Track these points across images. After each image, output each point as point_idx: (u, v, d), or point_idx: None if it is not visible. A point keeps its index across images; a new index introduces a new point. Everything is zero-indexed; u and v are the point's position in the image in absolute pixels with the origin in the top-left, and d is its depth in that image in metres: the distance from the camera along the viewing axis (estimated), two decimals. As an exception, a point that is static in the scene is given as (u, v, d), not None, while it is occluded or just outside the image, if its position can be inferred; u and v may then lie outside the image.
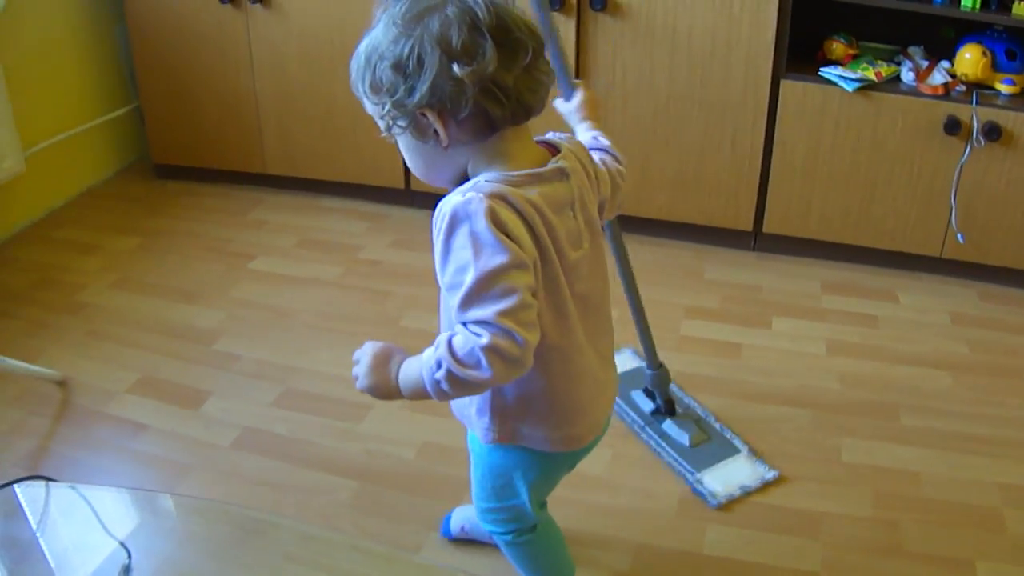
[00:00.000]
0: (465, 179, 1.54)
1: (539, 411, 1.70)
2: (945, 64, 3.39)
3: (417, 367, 1.50)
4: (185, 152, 4.23)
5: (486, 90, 1.43)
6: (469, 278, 1.42)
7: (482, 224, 1.41)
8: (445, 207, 1.44)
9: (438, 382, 1.45)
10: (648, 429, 2.72)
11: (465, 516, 2.36)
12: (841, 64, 3.41)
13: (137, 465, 2.62)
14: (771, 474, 2.59)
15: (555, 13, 3.36)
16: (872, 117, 3.34)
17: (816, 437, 2.74)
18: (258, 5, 3.75)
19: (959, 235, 3.42)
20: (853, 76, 3.30)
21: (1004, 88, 3.28)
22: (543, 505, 2.03)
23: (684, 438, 2.68)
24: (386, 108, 1.47)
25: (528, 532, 1.98)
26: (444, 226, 1.44)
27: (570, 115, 2.16)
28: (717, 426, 2.75)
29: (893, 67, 3.42)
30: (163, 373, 2.99)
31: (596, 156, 1.79)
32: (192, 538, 2.27)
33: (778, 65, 3.35)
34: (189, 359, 3.06)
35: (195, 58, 3.96)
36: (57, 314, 3.30)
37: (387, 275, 3.50)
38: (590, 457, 1.88)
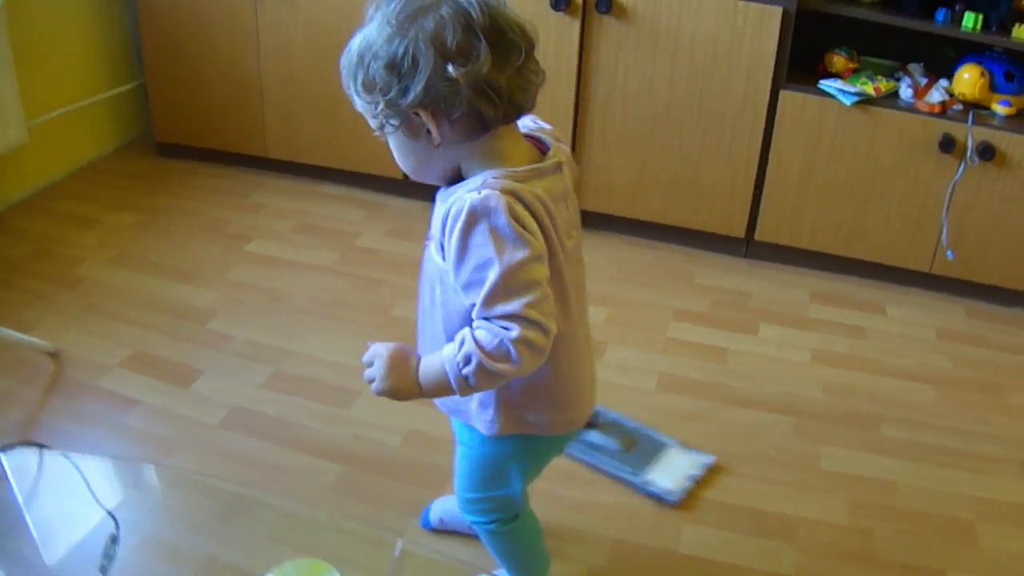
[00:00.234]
0: (457, 176, 1.58)
1: (546, 397, 1.74)
2: (944, 83, 3.42)
3: (438, 364, 1.54)
4: (188, 132, 4.24)
5: (479, 90, 1.45)
6: (493, 274, 1.45)
7: (503, 219, 1.45)
8: (460, 204, 1.46)
9: (466, 377, 1.50)
10: (576, 445, 2.68)
11: (444, 508, 2.39)
12: (841, 77, 3.43)
13: (126, 440, 2.64)
14: (709, 459, 2.64)
15: (560, 14, 3.39)
16: (869, 131, 3.36)
17: (797, 444, 2.77)
18: (267, -10, 3.77)
19: (949, 252, 3.44)
20: (852, 90, 3.33)
21: (1001, 109, 3.31)
22: (527, 497, 2.07)
23: (614, 444, 2.68)
24: (379, 107, 1.49)
25: (511, 521, 2.01)
26: (461, 224, 1.46)
27: None
28: (635, 426, 2.76)
29: (892, 83, 3.44)
30: (156, 350, 3.01)
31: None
32: (179, 512, 2.30)
33: (778, 76, 3.37)
34: (183, 337, 3.08)
35: (202, 38, 3.97)
36: (54, 286, 3.31)
37: (382, 264, 3.53)
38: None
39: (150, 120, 4.30)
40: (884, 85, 3.39)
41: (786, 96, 3.40)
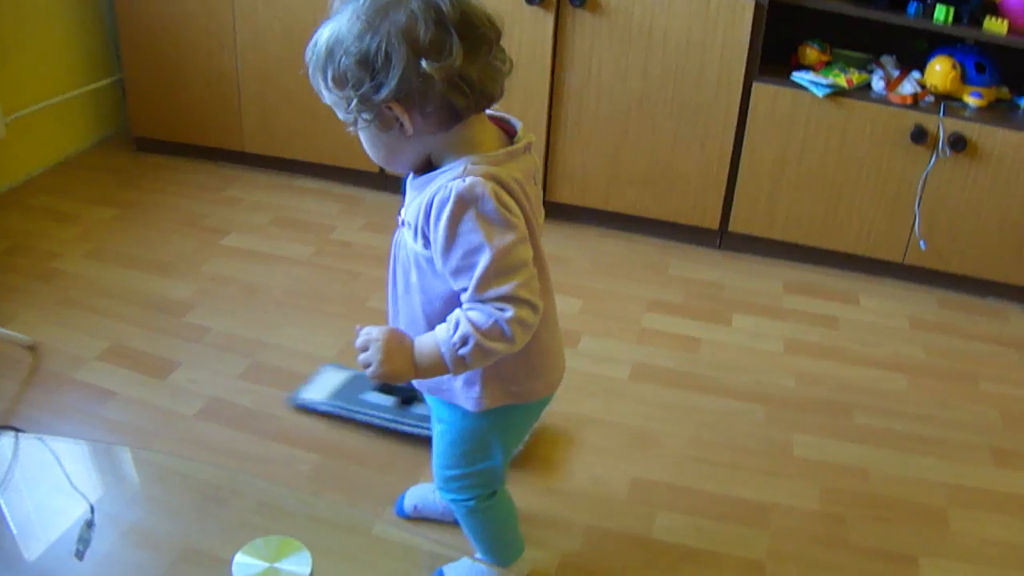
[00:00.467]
0: (428, 163, 1.61)
1: (528, 366, 1.78)
2: (916, 75, 3.45)
3: (432, 345, 1.57)
4: (165, 126, 4.23)
5: (452, 84, 1.47)
6: (485, 258, 1.49)
7: (491, 205, 1.49)
8: (445, 193, 1.49)
9: (463, 357, 1.54)
10: (404, 420, 2.68)
11: (419, 495, 2.40)
12: (813, 70, 3.45)
13: (103, 431, 2.64)
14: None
15: (535, 7, 3.38)
16: (841, 123, 3.39)
17: (769, 432, 2.79)
18: (243, -16, 3.77)
19: (921, 242, 3.47)
20: (824, 82, 3.34)
21: (972, 101, 3.35)
22: (506, 472, 2.08)
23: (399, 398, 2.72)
24: (352, 103, 1.50)
25: (489, 498, 2.02)
26: (449, 211, 1.49)
27: None
28: None
29: (864, 75, 3.46)
30: (133, 342, 3.01)
31: None
32: (155, 498, 2.31)
33: (751, 68, 3.39)
34: (159, 330, 3.08)
35: (179, 33, 3.96)
36: (31, 280, 3.31)
37: (357, 256, 3.56)
38: (546, 441, 1.93)
39: (127, 115, 4.29)
40: (856, 77, 3.41)
41: (759, 88, 3.42)
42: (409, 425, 2.66)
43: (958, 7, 3.26)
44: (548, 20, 3.44)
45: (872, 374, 3.11)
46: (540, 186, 1.71)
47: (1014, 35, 3.23)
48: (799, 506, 2.52)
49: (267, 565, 1.48)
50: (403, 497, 2.42)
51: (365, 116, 1.51)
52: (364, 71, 1.46)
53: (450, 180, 1.50)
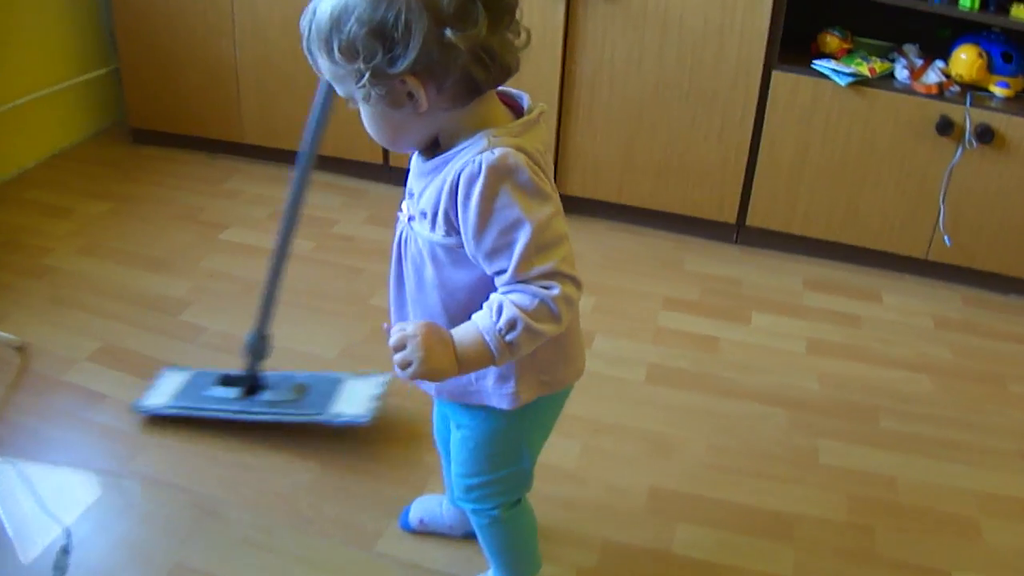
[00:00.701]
0: (435, 143, 1.51)
1: (560, 351, 1.68)
2: (940, 64, 3.35)
3: (473, 334, 1.46)
4: (163, 117, 4.17)
5: (474, 55, 1.37)
6: (524, 234, 1.40)
7: (526, 175, 1.40)
8: (472, 168, 1.40)
9: (511, 343, 1.44)
10: (253, 409, 2.58)
11: (425, 508, 2.29)
12: (835, 58, 3.36)
13: (93, 437, 2.54)
14: (384, 376, 2.62)
15: None
16: (864, 113, 3.30)
17: (792, 437, 2.69)
18: (242, -30, 3.69)
19: (946, 237, 3.38)
20: (846, 70, 3.25)
21: (998, 91, 3.25)
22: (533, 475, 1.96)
23: (289, 393, 2.61)
24: (363, 77, 1.38)
25: (514, 506, 1.92)
26: (481, 186, 1.39)
27: None
28: (302, 375, 2.70)
29: (887, 64, 3.38)
30: (126, 342, 2.92)
31: None
32: (147, 516, 2.22)
33: (770, 55, 3.30)
34: (154, 329, 2.99)
35: (177, 21, 3.89)
36: (22, 277, 3.22)
37: (360, 251, 3.47)
38: (558, 450, 1.82)
39: (124, 106, 4.23)
40: (879, 66, 3.33)
41: (779, 76, 3.33)
42: (257, 413, 2.56)
43: (985, -7, 3.17)
44: (559, 4, 3.36)
45: (897, 375, 3.01)
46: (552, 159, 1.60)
47: (1044, 23, 3.13)
48: (825, 517, 2.42)
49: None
50: (408, 509, 2.30)
51: (378, 91, 1.39)
52: (378, 41, 1.34)
53: (475, 154, 1.40)
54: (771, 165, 3.47)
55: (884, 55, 3.46)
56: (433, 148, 1.52)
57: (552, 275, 1.42)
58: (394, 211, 1.64)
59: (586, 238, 3.65)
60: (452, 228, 1.47)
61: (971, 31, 3.33)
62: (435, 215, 1.48)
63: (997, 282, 3.50)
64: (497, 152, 1.39)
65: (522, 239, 1.40)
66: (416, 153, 1.57)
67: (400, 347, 1.46)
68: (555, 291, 1.41)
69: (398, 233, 1.62)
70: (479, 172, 1.38)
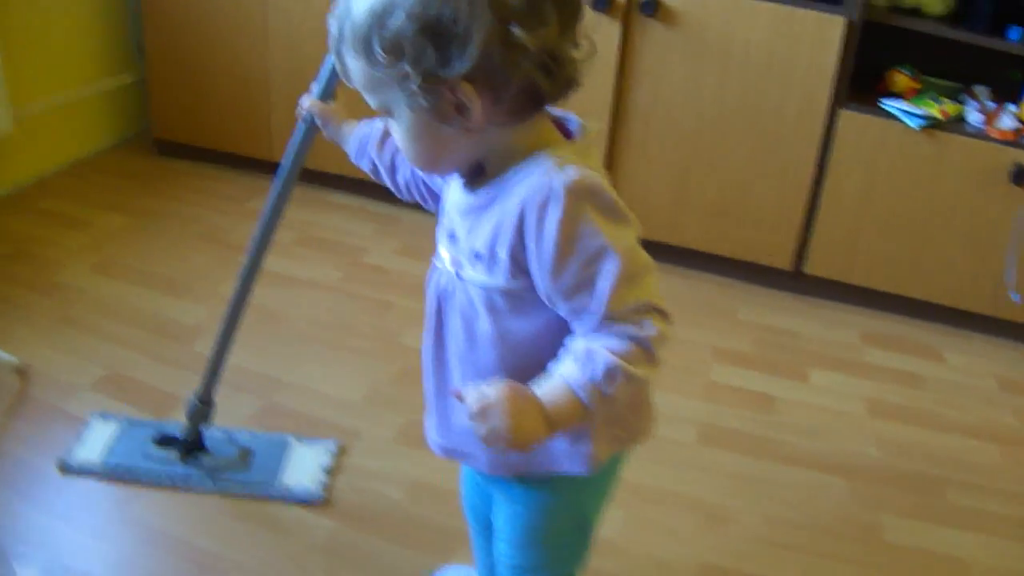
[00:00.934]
0: (478, 167, 1.30)
1: (638, 399, 1.49)
2: (1012, 107, 3.17)
3: (563, 391, 1.24)
4: (189, 130, 4.04)
5: (540, 61, 1.17)
6: (612, 265, 1.22)
7: (609, 197, 1.23)
8: (544, 194, 1.21)
9: (611, 398, 1.24)
10: (197, 475, 2.35)
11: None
12: (903, 98, 3.18)
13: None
14: (331, 443, 2.48)
15: (600, 14, 3.15)
16: (933, 158, 3.13)
17: (853, 511, 2.48)
18: (278, -22, 3.57)
19: (1014, 294, 3.20)
20: (918, 112, 3.07)
21: (1074, 139, 3.07)
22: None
23: (233, 457, 2.40)
24: (410, 83, 1.17)
25: None
26: (561, 212, 1.20)
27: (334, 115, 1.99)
28: (243, 435, 2.48)
29: (958, 106, 3.20)
30: (133, 371, 2.74)
31: None
32: (145, 568, 2.04)
33: (839, 93, 3.13)
34: (163, 358, 2.81)
35: (208, 30, 3.78)
36: (29, 292, 3.07)
37: (391, 284, 3.31)
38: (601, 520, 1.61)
39: (149, 116, 4.11)
40: (951, 108, 3.15)
41: (846, 116, 3.15)
42: (201, 482, 2.34)
43: (1065, 34, 3.00)
44: (615, 29, 3.21)
45: (962, 443, 2.81)
46: None
47: None
48: (895, 605, 2.20)
49: None
50: (432, 579, 2.08)
51: (425, 99, 1.18)
52: (429, 39, 1.14)
53: (542, 177, 1.21)
54: (833, 209, 3.30)
55: (953, 96, 3.28)
56: (476, 175, 1.32)
57: (644, 311, 1.23)
58: (427, 241, 1.42)
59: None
60: (519, 268, 1.26)
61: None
62: (493, 255, 1.27)
63: (1068, 344, 3.32)
64: (572, 173, 1.20)
65: (610, 271, 1.21)
66: (456, 186, 1.36)
67: (480, 416, 1.23)
68: (651, 331, 1.23)
69: (434, 283, 1.40)
70: (555, 196, 1.19)
